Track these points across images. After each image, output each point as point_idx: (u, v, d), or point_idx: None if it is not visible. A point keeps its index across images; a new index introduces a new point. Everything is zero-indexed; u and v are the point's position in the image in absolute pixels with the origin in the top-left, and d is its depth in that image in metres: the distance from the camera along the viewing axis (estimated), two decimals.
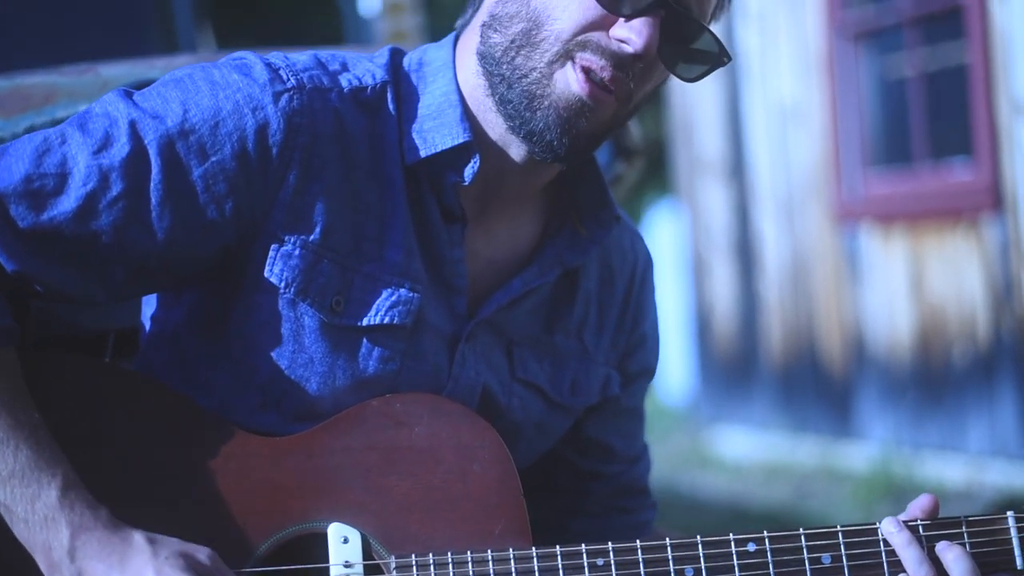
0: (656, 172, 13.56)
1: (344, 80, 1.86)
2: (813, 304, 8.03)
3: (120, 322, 2.22)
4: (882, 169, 7.64)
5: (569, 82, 1.80)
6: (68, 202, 1.72)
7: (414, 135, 1.87)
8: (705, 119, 8.80)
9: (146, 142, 1.75)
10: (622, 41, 1.79)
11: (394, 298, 1.85)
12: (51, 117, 2.28)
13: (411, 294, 1.86)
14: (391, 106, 1.88)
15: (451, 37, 1.96)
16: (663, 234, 11.27)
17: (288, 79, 1.81)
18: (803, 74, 7.99)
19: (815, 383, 8.04)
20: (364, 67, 1.90)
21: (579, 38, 1.80)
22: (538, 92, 1.82)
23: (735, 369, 8.74)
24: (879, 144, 7.70)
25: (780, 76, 8.18)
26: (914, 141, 7.40)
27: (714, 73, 1.94)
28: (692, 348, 9.62)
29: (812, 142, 7.95)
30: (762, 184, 8.40)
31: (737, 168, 8.61)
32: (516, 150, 1.88)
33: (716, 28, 1.93)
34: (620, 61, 1.80)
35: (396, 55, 1.95)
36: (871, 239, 7.54)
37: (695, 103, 8.76)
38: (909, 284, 7.26)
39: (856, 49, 7.69)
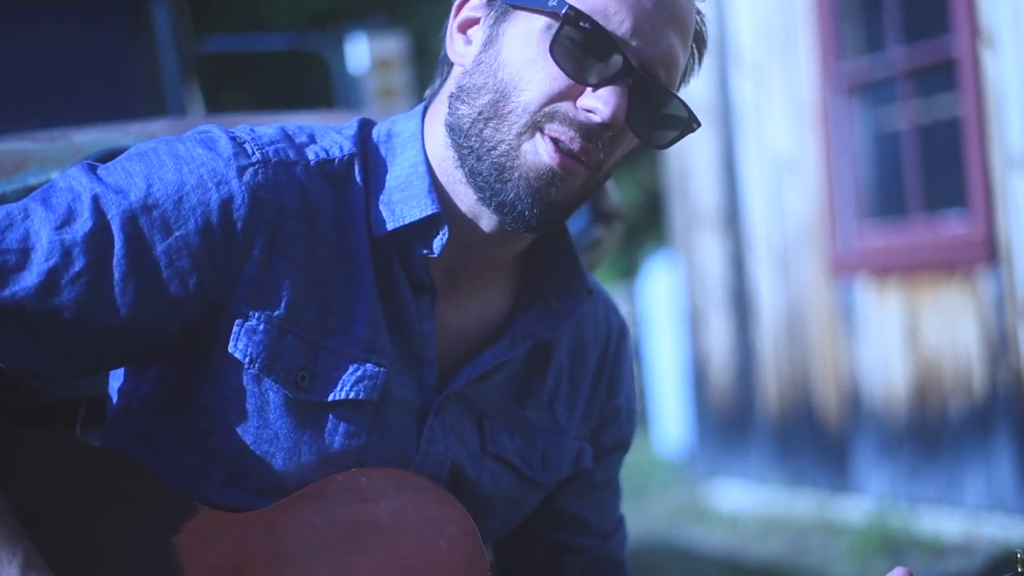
0: (653, 223, 13.58)
1: (311, 153, 1.85)
2: (808, 356, 8.01)
3: (92, 390, 2.21)
4: (877, 221, 7.63)
5: (539, 152, 1.79)
6: (30, 278, 1.71)
7: (382, 207, 1.86)
8: (701, 171, 8.80)
9: (109, 217, 1.73)
10: (589, 111, 1.78)
11: (360, 373, 1.84)
12: (23, 184, 2.27)
13: (377, 369, 1.85)
14: (358, 178, 1.87)
15: (420, 107, 1.95)
16: (659, 285, 11.26)
17: (253, 153, 1.80)
18: (797, 126, 8.00)
19: (811, 436, 8.01)
20: (332, 139, 1.89)
21: (547, 109, 1.79)
22: (507, 164, 1.80)
23: (731, 422, 8.71)
24: (874, 196, 7.69)
25: (774, 128, 8.18)
26: (908, 193, 7.39)
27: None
28: (688, 400, 9.59)
29: (807, 194, 7.94)
30: (757, 236, 8.39)
31: (732, 220, 8.60)
32: (487, 221, 1.86)
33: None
34: (588, 131, 1.79)
35: (365, 126, 1.94)
36: (866, 291, 7.53)
37: (691, 155, 8.76)
38: (904, 337, 7.24)
39: (850, 101, 7.70)
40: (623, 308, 12.33)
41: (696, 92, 1.96)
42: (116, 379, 1.94)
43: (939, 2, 6.99)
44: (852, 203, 7.67)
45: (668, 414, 11.04)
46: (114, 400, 1.94)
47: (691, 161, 8.82)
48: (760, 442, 8.43)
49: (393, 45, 4.93)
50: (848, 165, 7.68)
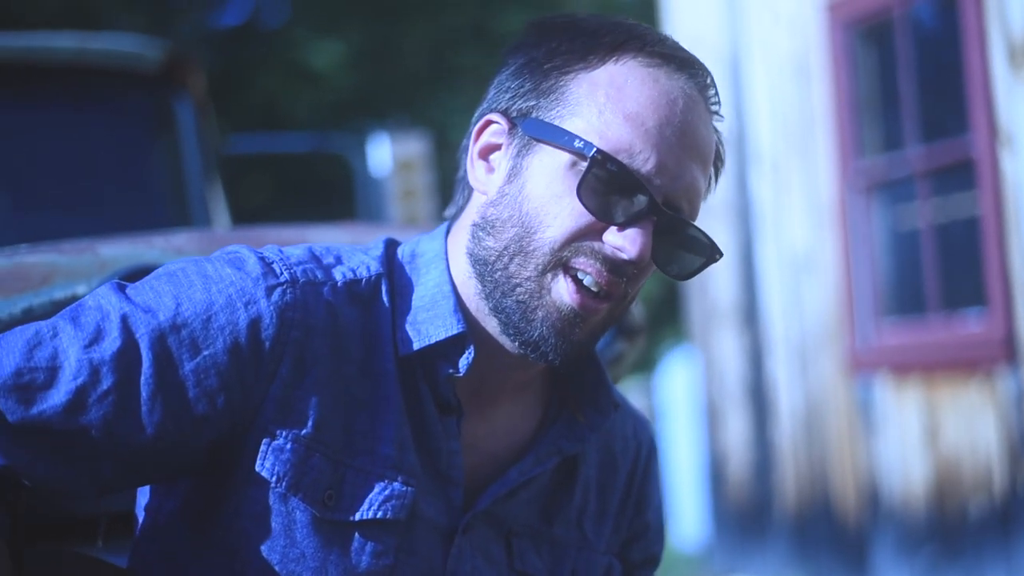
0: (671, 318, 13.59)
1: (338, 273, 1.86)
2: (827, 453, 7.98)
3: (112, 507, 2.20)
4: (895, 319, 7.63)
5: (561, 293, 1.80)
6: (58, 396, 1.71)
7: (408, 327, 1.86)
8: (719, 267, 8.79)
9: (137, 336, 1.74)
10: (617, 248, 1.79)
11: (387, 492, 1.83)
12: (49, 298, 2.27)
13: (405, 488, 1.84)
14: (385, 298, 1.87)
15: (443, 228, 1.96)
16: (678, 380, 11.24)
17: (281, 273, 1.81)
18: (815, 224, 8.02)
19: (829, 534, 7.96)
20: (359, 259, 1.89)
21: (573, 245, 1.80)
22: (532, 303, 1.81)
23: (749, 517, 8.67)
24: (892, 294, 7.70)
25: (793, 225, 8.20)
26: (927, 292, 7.39)
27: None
28: (706, 495, 9.55)
29: (825, 291, 7.95)
30: (776, 333, 8.39)
31: (751, 316, 8.61)
32: (511, 347, 1.87)
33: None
34: (615, 266, 1.79)
35: (391, 246, 1.94)
36: (885, 389, 7.51)
37: None
38: (923, 435, 7.22)
39: (868, 199, 7.72)
40: (641, 402, 12.29)
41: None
42: (143, 496, 1.94)
43: (957, 102, 7.03)
44: (870, 301, 7.67)
45: (686, 509, 10.99)
46: (140, 518, 1.94)
47: None
48: (778, 539, 8.39)
49: (415, 147, 4.94)
50: (866, 263, 7.69)
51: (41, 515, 2.12)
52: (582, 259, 1.79)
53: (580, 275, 1.79)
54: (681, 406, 11.10)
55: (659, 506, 2.18)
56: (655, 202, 1.79)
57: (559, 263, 1.80)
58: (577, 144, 1.79)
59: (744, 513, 8.72)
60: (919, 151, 7.39)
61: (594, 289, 1.80)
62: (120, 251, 2.36)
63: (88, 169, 4.36)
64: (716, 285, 8.90)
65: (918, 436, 7.26)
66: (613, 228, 1.79)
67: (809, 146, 8.07)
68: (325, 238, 2.52)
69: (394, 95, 16.50)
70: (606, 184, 1.78)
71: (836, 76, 7.86)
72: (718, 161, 1.94)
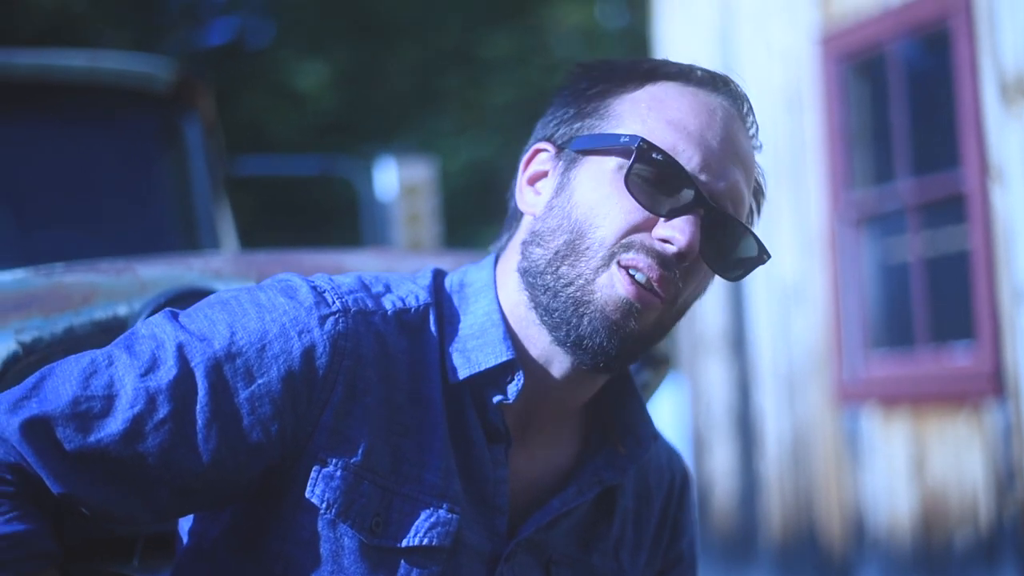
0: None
1: (388, 302, 1.88)
2: (813, 484, 8.01)
3: (150, 528, 2.22)
4: (884, 351, 7.66)
5: (615, 285, 1.82)
6: (115, 424, 1.73)
7: (456, 355, 1.89)
8: (708, 295, 8.78)
9: (192, 364, 1.76)
10: (665, 241, 1.82)
11: (433, 519, 1.85)
12: (89, 318, 2.29)
13: (450, 515, 1.86)
14: (433, 327, 1.90)
15: (491, 258, 1.99)
16: (665, 407, 11.26)
17: (333, 302, 1.83)
18: (805, 255, 8.06)
19: (815, 564, 7.98)
20: (407, 288, 1.92)
21: (623, 241, 1.83)
22: (584, 298, 1.84)
23: (734, 547, 8.68)
24: (881, 326, 7.73)
25: (782, 256, 8.24)
26: (916, 324, 7.43)
27: None
28: None
29: (814, 322, 7.99)
30: (763, 362, 8.43)
31: (739, 345, 8.64)
32: (559, 365, 1.90)
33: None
34: (665, 260, 1.82)
35: (438, 276, 1.98)
36: (872, 421, 7.55)
37: None
38: (910, 467, 7.25)
39: (858, 232, 7.77)
40: None
41: (757, 222, 2.02)
42: (186, 520, 1.96)
43: (949, 136, 7.08)
44: (859, 332, 7.71)
45: None
46: (184, 541, 1.95)
47: None
48: (763, 568, 8.41)
49: (421, 171, 4.95)
50: (855, 295, 7.73)
51: (78, 533, 2.13)
52: (632, 254, 1.82)
53: (632, 272, 1.82)
54: (668, 433, 11.10)
55: (692, 537, 2.21)
56: (701, 195, 1.83)
57: (611, 259, 1.83)
58: (623, 140, 1.85)
59: (729, 541, 8.74)
60: (910, 184, 7.44)
61: (646, 285, 1.83)
62: (159, 272, 2.38)
63: (97, 188, 4.38)
64: (704, 313, 8.93)
65: (905, 468, 7.29)
66: (661, 221, 1.83)
67: (800, 177, 8.11)
68: (359, 263, 2.54)
69: (378, 118, 16.51)
70: (652, 177, 1.83)
71: (828, 109, 7.91)
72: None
